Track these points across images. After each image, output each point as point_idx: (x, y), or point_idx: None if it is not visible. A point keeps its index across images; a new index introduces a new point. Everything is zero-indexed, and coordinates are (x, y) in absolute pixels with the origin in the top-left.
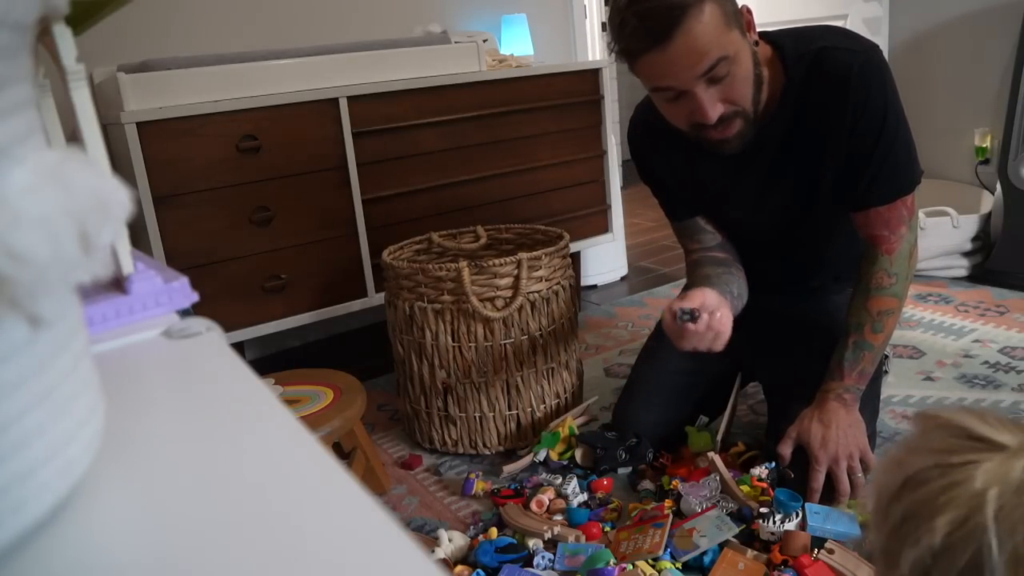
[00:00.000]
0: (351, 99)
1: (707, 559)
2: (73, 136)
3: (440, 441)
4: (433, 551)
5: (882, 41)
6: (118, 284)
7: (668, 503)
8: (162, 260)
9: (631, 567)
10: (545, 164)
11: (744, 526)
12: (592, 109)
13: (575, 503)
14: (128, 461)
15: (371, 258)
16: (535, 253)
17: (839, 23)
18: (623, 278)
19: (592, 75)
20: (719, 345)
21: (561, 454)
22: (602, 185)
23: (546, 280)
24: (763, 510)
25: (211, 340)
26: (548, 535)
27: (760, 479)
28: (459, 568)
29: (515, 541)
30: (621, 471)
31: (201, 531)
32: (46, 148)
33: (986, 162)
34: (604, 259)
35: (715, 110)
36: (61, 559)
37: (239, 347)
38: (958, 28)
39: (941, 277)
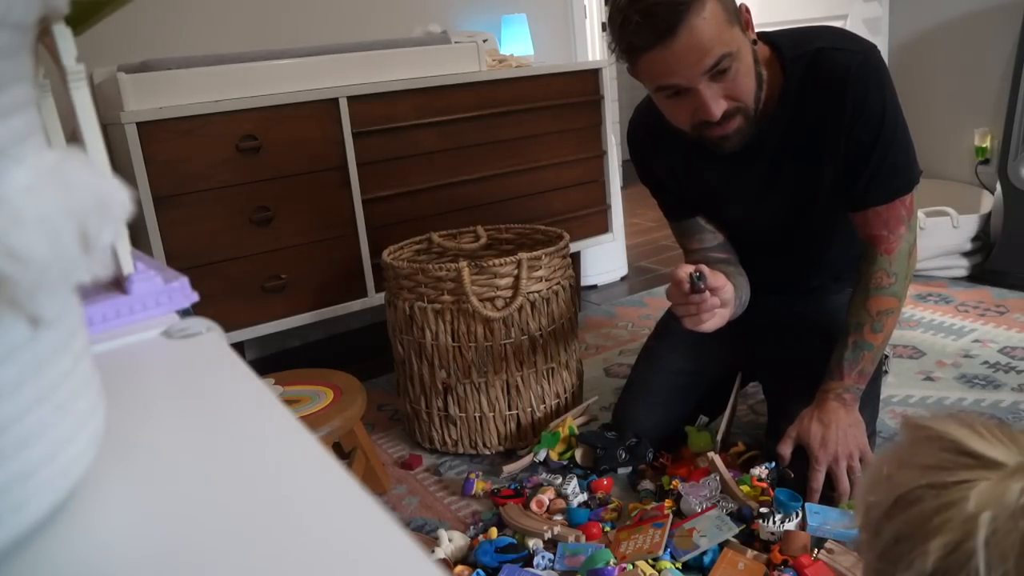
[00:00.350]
0: (351, 99)
1: (707, 559)
2: (73, 136)
3: (440, 441)
4: (433, 551)
5: (882, 41)
6: (118, 284)
7: (668, 503)
8: (162, 260)
9: (631, 567)
10: (545, 164)
11: (744, 526)
12: (592, 109)
13: (575, 503)
14: (128, 461)
15: (371, 258)
16: (535, 253)
17: (839, 23)
18: (623, 278)
19: (592, 75)
20: (709, 327)
21: (561, 454)
22: (602, 185)
23: (546, 280)
24: (763, 510)
25: (211, 340)
26: (548, 535)
27: (760, 479)
28: (459, 568)
29: (515, 541)
30: (621, 471)
31: (201, 531)
32: (46, 148)
33: (986, 162)
34: (604, 259)
35: (719, 106)
36: (61, 559)
37: (239, 347)
38: (958, 28)
39: (941, 277)
